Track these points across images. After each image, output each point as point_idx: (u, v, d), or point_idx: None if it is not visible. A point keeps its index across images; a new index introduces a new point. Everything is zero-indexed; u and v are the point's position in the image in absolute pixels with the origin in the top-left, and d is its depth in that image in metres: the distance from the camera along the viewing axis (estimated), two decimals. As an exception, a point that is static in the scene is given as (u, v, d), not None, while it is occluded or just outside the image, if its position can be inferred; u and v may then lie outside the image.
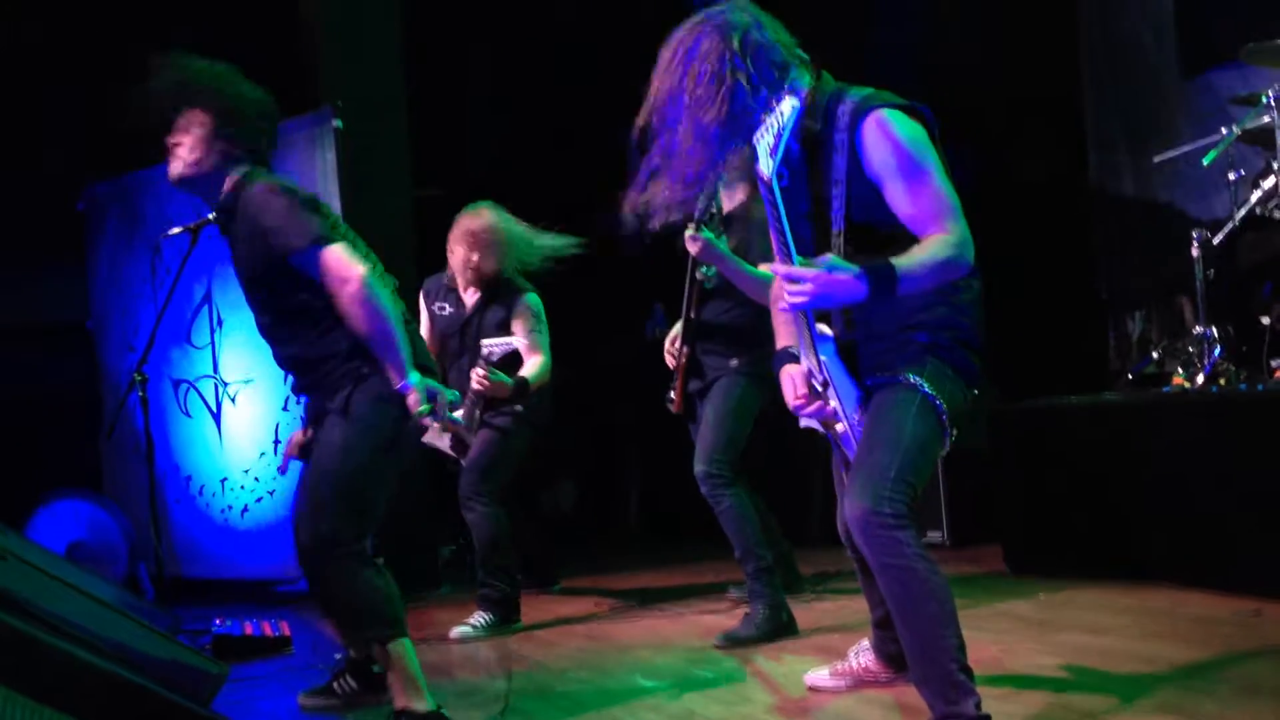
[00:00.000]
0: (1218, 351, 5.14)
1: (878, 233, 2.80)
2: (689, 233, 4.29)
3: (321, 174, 6.18)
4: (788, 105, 2.61)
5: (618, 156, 3.04)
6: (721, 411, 4.46)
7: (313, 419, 3.54)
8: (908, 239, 2.75)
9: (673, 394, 4.65)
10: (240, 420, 6.71)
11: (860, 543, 2.76)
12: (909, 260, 2.68)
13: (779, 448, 5.09)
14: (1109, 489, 4.78)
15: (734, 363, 4.50)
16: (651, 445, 8.18)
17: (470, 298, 5.14)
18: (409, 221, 6.40)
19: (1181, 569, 4.48)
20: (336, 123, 6.11)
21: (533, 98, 8.75)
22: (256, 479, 6.59)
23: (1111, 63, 6.82)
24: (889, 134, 2.76)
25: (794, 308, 2.69)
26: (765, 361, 4.52)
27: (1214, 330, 5.17)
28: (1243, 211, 5.19)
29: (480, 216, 5.08)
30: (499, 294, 5.11)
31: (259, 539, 6.54)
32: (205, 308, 6.82)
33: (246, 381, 6.64)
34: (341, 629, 3.51)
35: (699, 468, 4.44)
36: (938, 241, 2.72)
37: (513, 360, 4.99)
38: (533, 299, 5.14)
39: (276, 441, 6.44)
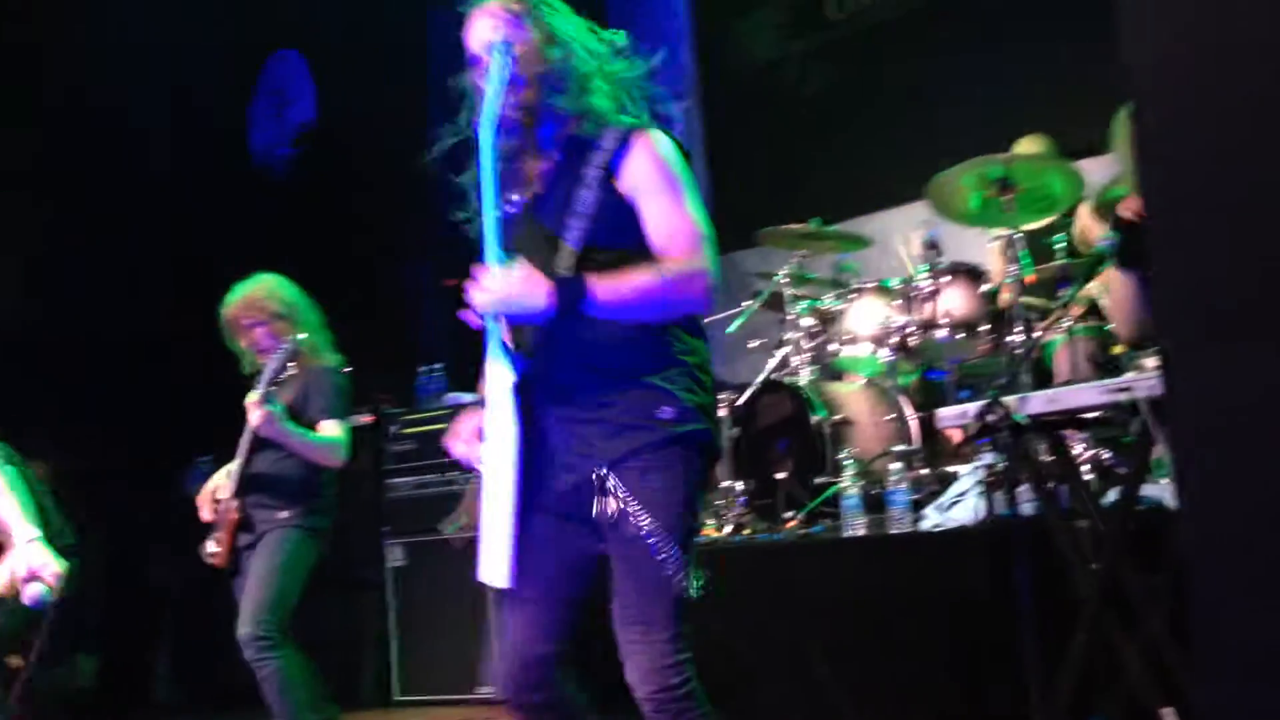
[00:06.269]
0: (741, 503, 5.53)
1: (614, 254, 2.52)
2: (253, 399, 4.14)
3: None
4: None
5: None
6: (270, 567, 4.24)
7: None
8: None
9: (214, 545, 4.38)
10: None
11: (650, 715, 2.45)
12: (615, 280, 2.43)
13: (329, 605, 4.94)
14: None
15: (284, 515, 4.32)
16: (185, 607, 7.70)
17: None
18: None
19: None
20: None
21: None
22: None
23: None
24: (652, 151, 2.56)
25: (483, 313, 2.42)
26: (318, 515, 4.41)
27: (739, 484, 5.58)
28: (761, 376, 5.70)
29: None
30: None
31: None
32: None
33: None
34: None
35: (244, 630, 4.15)
36: (668, 267, 2.48)
37: None
38: None
39: None
